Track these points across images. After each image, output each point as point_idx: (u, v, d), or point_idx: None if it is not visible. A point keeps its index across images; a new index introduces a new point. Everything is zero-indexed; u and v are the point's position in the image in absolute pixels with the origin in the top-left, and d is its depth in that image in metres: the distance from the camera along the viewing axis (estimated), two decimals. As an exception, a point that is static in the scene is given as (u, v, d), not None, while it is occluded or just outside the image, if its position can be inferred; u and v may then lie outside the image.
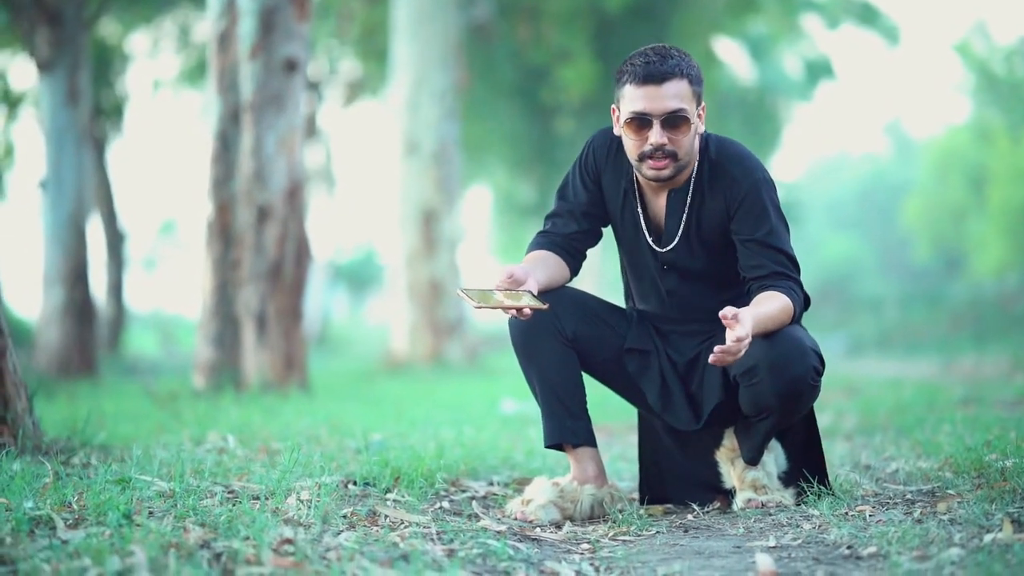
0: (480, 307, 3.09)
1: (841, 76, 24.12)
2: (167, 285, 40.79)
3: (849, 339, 22.57)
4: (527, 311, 3.14)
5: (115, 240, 18.19)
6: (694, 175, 3.33)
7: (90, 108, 11.84)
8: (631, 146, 3.26)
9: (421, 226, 12.52)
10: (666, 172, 3.25)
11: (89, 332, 11.02)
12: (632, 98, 3.21)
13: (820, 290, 32.31)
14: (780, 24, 20.79)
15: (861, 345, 21.73)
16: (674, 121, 3.20)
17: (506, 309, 3.12)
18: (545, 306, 3.17)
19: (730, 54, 24.37)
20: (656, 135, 3.20)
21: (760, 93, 24.99)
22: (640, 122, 3.21)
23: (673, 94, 3.19)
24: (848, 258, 37.14)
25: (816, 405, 6.56)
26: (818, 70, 23.25)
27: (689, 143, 3.24)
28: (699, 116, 3.27)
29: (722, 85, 23.15)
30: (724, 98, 23.82)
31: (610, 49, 18.20)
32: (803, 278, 3.35)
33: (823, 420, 6.21)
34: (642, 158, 3.25)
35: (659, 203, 3.39)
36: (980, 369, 11.98)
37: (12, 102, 16.92)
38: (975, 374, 11.00)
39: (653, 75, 3.18)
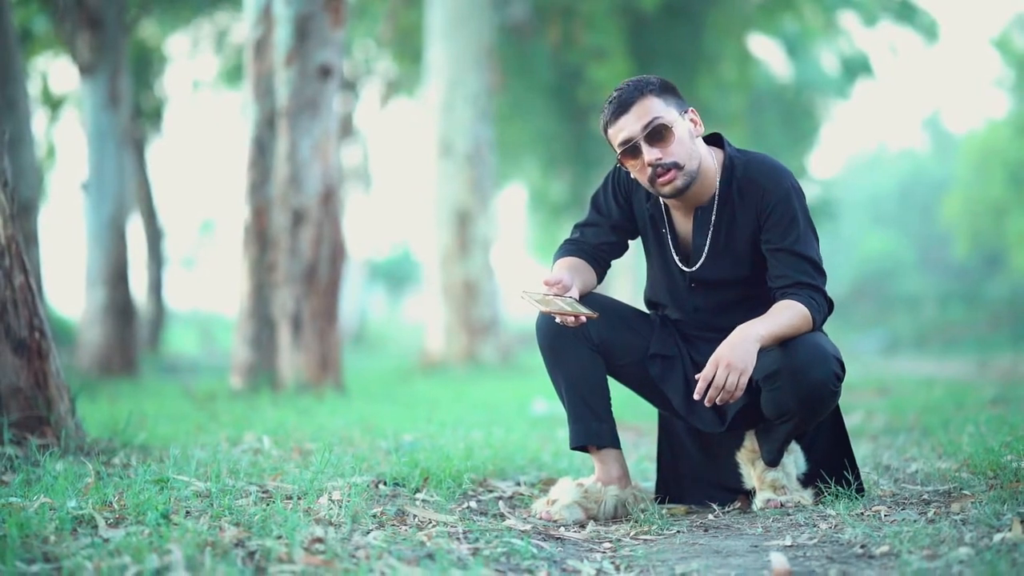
0: (547, 311, 3.22)
1: (879, 71, 23.94)
2: (206, 284, 41.09)
3: (886, 337, 22.50)
4: (582, 319, 3.24)
5: (155, 240, 18.42)
6: (718, 192, 3.40)
7: (130, 110, 12.02)
8: (640, 176, 3.36)
9: (455, 227, 12.62)
10: (679, 182, 3.32)
11: (130, 332, 11.20)
12: (614, 135, 3.33)
13: (858, 287, 32.17)
14: (816, 22, 20.73)
15: (898, 343, 21.66)
16: (655, 133, 3.28)
17: (564, 316, 3.23)
18: (596, 315, 3.27)
19: (767, 51, 24.33)
20: (647, 153, 3.29)
21: (797, 90, 24.91)
22: (630, 150, 3.31)
23: (644, 112, 3.28)
24: (886, 255, 36.94)
25: (846, 405, 6.60)
26: (856, 67, 23.12)
27: (685, 149, 3.31)
28: (691, 121, 3.35)
29: (758, 82, 23.10)
30: (760, 95, 23.77)
31: (644, 48, 18.22)
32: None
33: (853, 419, 6.27)
34: (652, 181, 3.33)
35: (686, 223, 3.47)
36: (1016, 368, 11.93)
37: (54, 105, 17.17)
38: (1011, 373, 10.96)
39: (619, 109, 3.30)
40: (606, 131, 3.36)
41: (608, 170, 3.62)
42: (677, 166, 3.30)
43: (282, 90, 7.42)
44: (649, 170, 3.30)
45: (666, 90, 3.33)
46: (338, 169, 7.65)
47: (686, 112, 3.34)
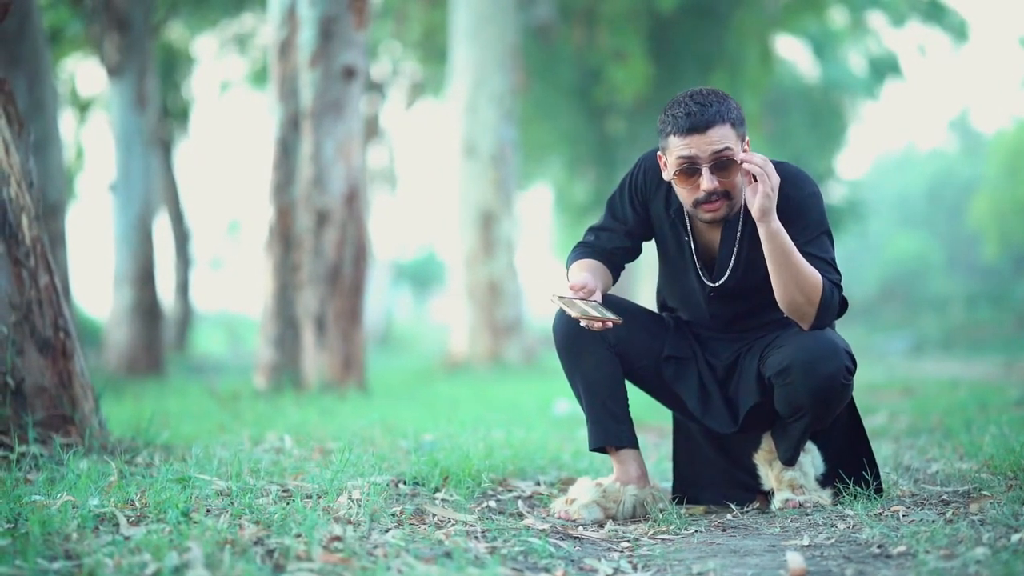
0: (577, 316, 3.22)
1: (908, 71, 23.83)
2: (233, 285, 41.27)
3: (912, 338, 22.39)
4: (609, 324, 3.25)
5: (182, 241, 18.53)
6: (744, 205, 3.37)
7: (157, 111, 12.10)
8: (684, 194, 3.32)
9: (479, 227, 12.64)
10: (721, 213, 3.32)
11: (156, 332, 11.27)
12: (678, 147, 3.26)
13: (885, 288, 32.01)
14: (842, 22, 20.66)
15: (924, 344, 21.55)
16: (722, 163, 3.25)
17: (591, 320, 3.23)
18: (621, 320, 3.28)
19: (793, 52, 24.26)
20: (707, 181, 3.25)
21: (824, 91, 24.83)
22: (690, 169, 3.26)
23: (719, 138, 3.23)
24: (915, 256, 36.77)
25: (871, 406, 6.56)
26: (884, 68, 23.02)
27: (740, 181, 3.29)
28: (744, 150, 3.30)
29: (785, 83, 23.03)
30: (787, 96, 23.70)
31: (665, 49, 18.20)
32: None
33: (877, 420, 6.26)
34: (696, 204, 3.31)
35: (711, 235, 3.45)
36: (1043, 369, 11.85)
37: (82, 106, 17.30)
38: (1037, 374, 10.89)
39: (697, 125, 3.22)
40: (667, 136, 3.29)
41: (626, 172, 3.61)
42: (728, 197, 3.29)
43: (306, 91, 7.46)
44: (701, 194, 3.28)
45: (742, 121, 3.29)
46: (362, 170, 7.68)
47: (745, 141, 3.30)
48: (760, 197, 3.18)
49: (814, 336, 3.26)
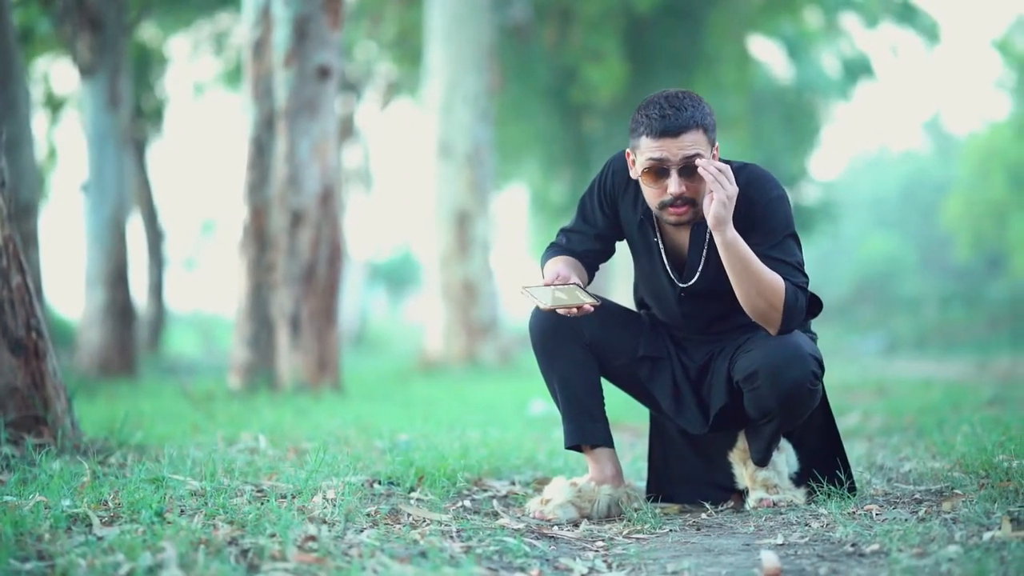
0: (548, 308, 3.21)
1: (880, 72, 23.92)
2: (208, 285, 41.07)
3: (886, 338, 22.50)
4: (587, 308, 3.23)
5: (155, 241, 18.44)
6: None
7: (131, 111, 12.03)
8: (650, 195, 3.33)
9: (455, 227, 12.64)
10: (686, 218, 3.32)
11: (129, 333, 11.20)
12: (649, 148, 3.25)
13: (859, 289, 32.17)
14: (816, 23, 20.75)
15: (898, 344, 21.67)
16: (691, 169, 3.25)
17: (567, 308, 3.22)
18: (598, 302, 3.27)
19: (767, 53, 24.35)
20: (674, 184, 3.25)
21: (798, 92, 24.93)
22: (658, 171, 3.26)
23: (690, 143, 3.23)
24: (888, 257, 36.94)
25: (844, 406, 6.60)
26: (857, 69, 23.14)
27: (705, 188, 3.28)
28: (714, 157, 3.30)
29: (759, 84, 23.11)
30: (761, 97, 23.79)
31: (641, 49, 18.23)
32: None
33: (850, 420, 6.29)
34: (662, 207, 3.32)
35: (680, 236, 3.45)
36: (1015, 369, 11.94)
37: (55, 106, 17.19)
38: (1009, 374, 10.97)
39: (670, 129, 3.22)
40: (639, 136, 3.28)
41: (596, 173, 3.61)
42: (693, 204, 3.30)
43: (281, 91, 7.44)
44: (668, 197, 3.28)
45: (714, 127, 3.29)
46: (337, 170, 7.65)
47: (713, 149, 3.30)
48: (715, 205, 3.18)
49: (781, 341, 3.27)
